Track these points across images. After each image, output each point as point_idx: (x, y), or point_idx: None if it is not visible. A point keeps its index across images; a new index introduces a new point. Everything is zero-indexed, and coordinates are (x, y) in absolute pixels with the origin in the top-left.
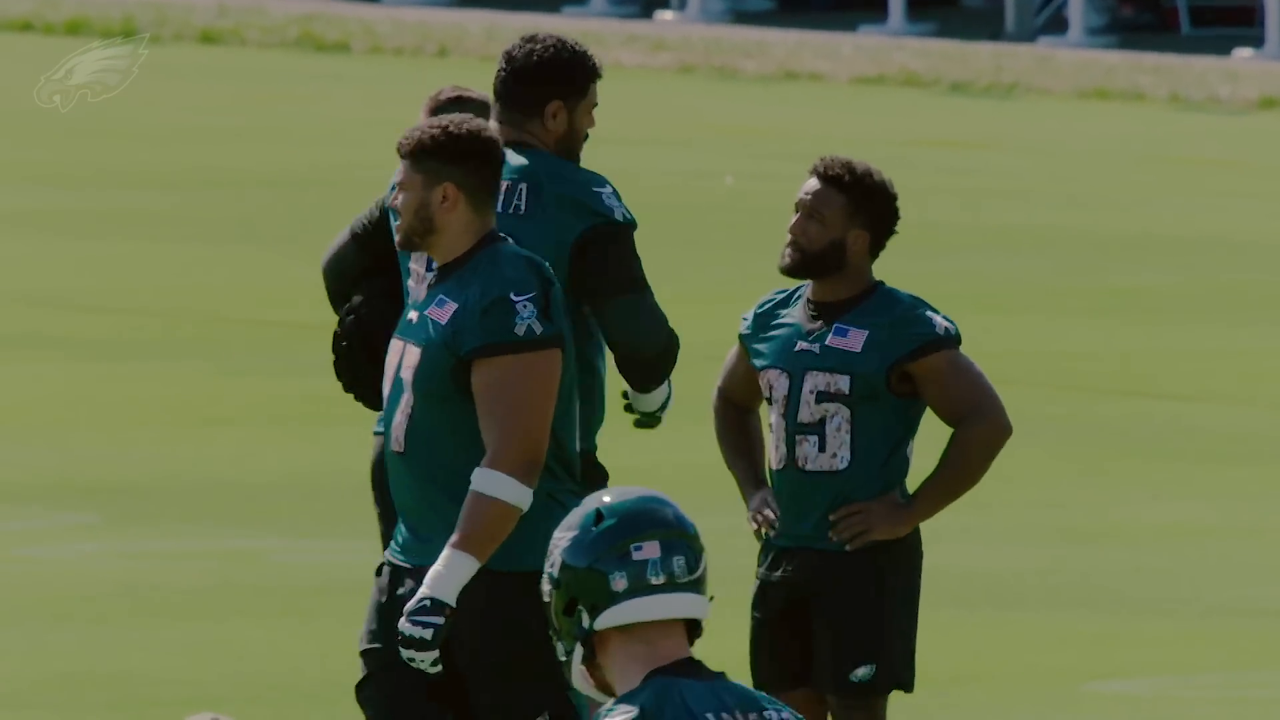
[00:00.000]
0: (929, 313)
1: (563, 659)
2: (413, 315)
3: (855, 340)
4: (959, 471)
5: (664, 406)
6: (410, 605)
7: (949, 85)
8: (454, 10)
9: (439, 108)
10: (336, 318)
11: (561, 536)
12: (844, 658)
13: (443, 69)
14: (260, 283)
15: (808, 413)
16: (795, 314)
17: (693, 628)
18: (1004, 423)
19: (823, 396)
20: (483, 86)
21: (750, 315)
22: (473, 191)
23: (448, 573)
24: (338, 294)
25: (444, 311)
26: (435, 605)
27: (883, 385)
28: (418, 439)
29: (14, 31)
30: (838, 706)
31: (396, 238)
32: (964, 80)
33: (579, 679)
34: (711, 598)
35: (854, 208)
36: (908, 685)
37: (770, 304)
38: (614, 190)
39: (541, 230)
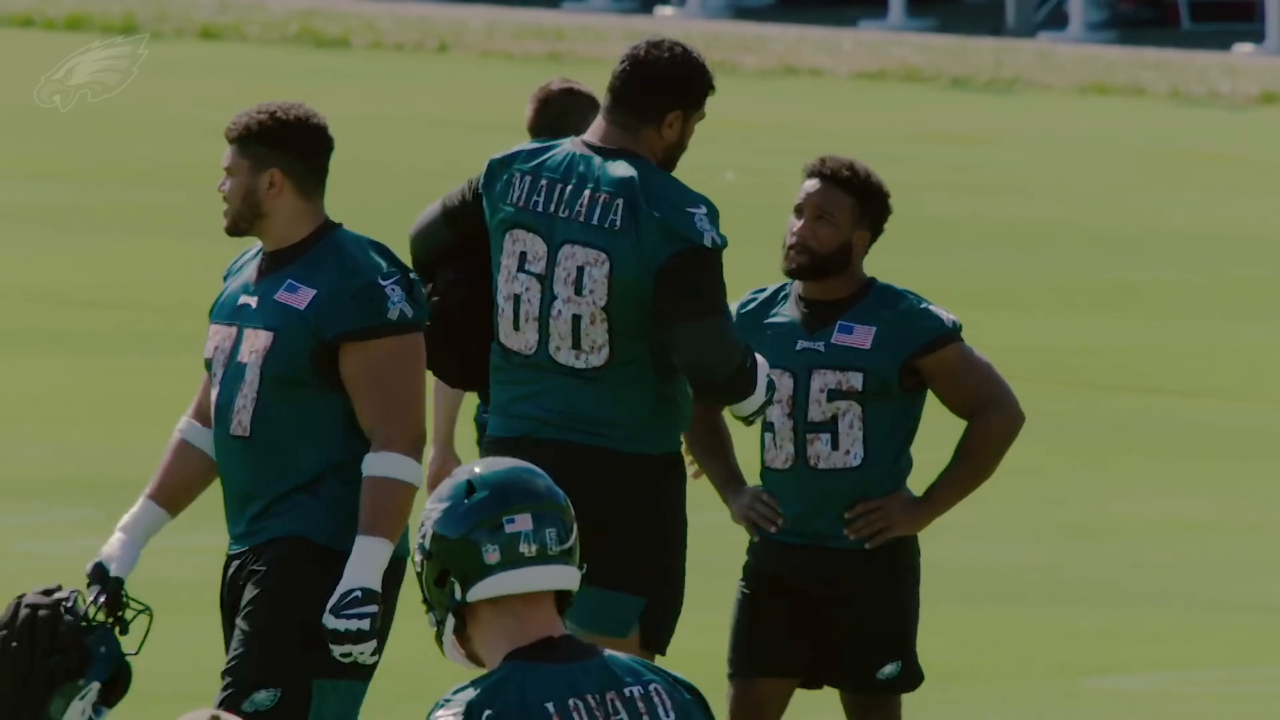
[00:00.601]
0: (931, 307)
1: (434, 629)
2: (249, 300)
3: (863, 337)
4: (978, 463)
5: (764, 406)
6: (334, 601)
7: (949, 80)
8: (455, 5)
9: (548, 99)
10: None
11: (433, 508)
12: (872, 656)
13: (443, 64)
14: None
15: (819, 411)
16: (787, 312)
17: (562, 598)
18: (1019, 411)
19: (834, 394)
20: (483, 82)
21: (735, 314)
22: (300, 178)
23: (367, 561)
24: (426, 265)
25: (299, 297)
26: (366, 595)
27: (895, 381)
28: (265, 424)
29: (15, 27)
30: (859, 704)
31: (224, 223)
32: (964, 75)
33: (450, 649)
34: (583, 568)
35: (861, 209)
36: (921, 679)
37: (754, 303)
38: (709, 211)
39: (631, 248)
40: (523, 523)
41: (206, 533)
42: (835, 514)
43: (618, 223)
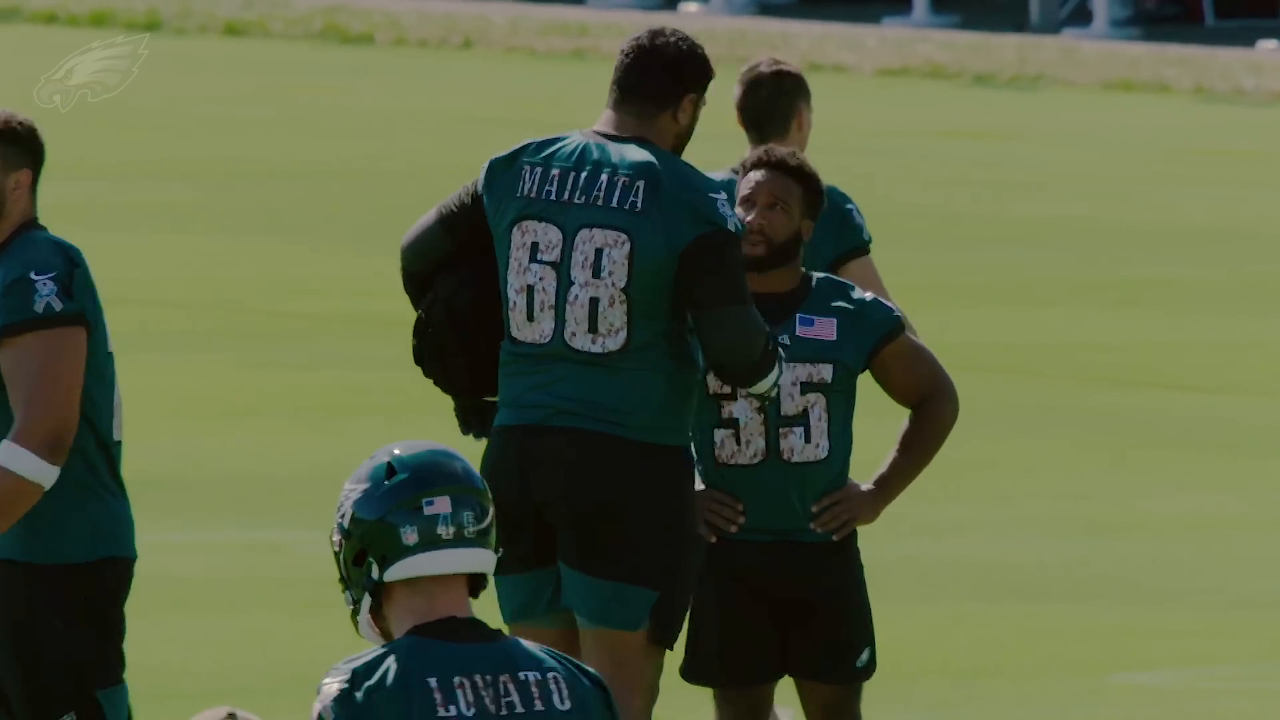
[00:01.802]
0: (876, 297)
1: (350, 607)
2: None
3: (826, 329)
4: (930, 451)
5: (771, 389)
6: None
7: (973, 77)
8: (479, 2)
9: (756, 80)
10: (393, 312)
11: (352, 488)
12: (848, 646)
13: (467, 61)
14: (284, 274)
15: (792, 405)
16: None
17: (476, 581)
18: (957, 400)
19: (806, 387)
20: (507, 79)
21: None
22: (34, 181)
23: None
24: (415, 276)
25: None
26: None
27: (860, 371)
28: None
29: (39, 23)
30: (833, 695)
31: None
32: (988, 72)
33: (365, 628)
34: (498, 550)
35: (807, 199)
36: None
37: None
38: (729, 197)
39: (654, 229)
40: (441, 505)
41: (227, 529)
42: (804, 508)
43: (639, 204)
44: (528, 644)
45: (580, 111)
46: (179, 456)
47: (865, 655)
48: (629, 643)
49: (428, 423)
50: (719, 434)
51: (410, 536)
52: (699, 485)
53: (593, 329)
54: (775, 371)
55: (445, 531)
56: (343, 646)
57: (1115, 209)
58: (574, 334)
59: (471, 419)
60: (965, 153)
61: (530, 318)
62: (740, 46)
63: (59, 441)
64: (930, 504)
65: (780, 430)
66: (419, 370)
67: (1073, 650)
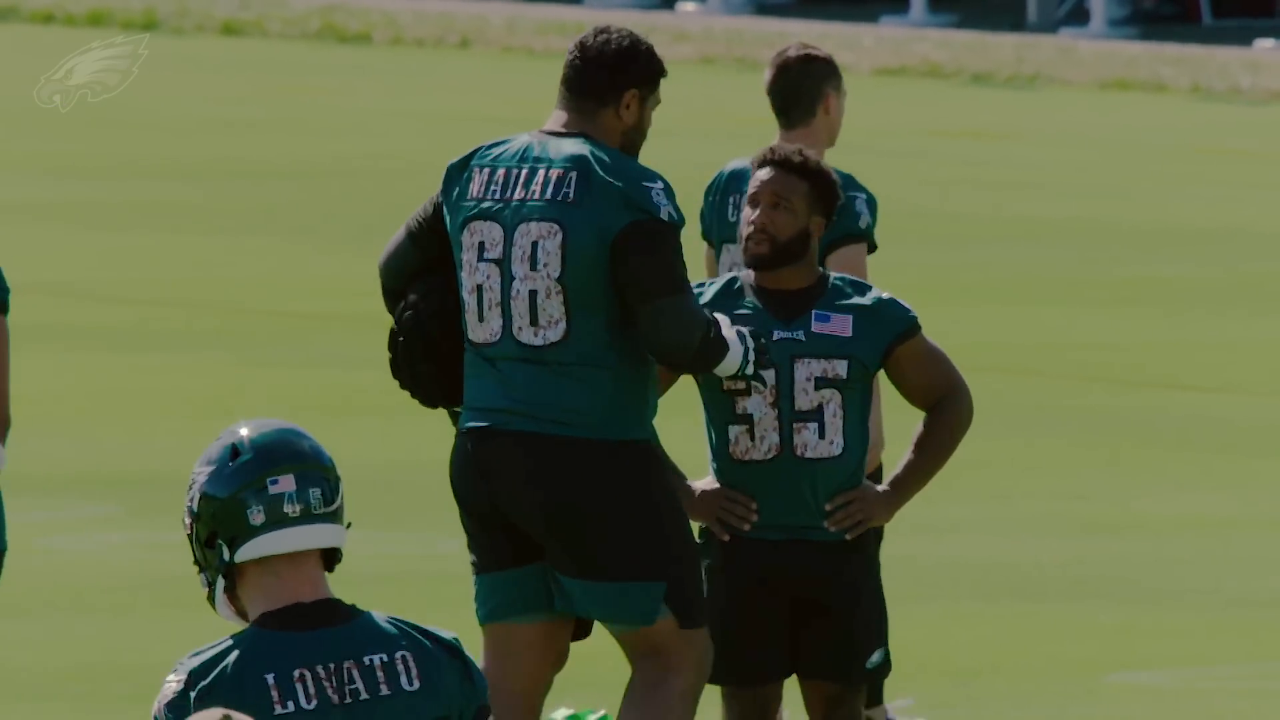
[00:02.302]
0: (892, 296)
1: (205, 590)
2: None
3: (842, 325)
4: (946, 453)
5: (741, 369)
6: None
7: (970, 76)
8: (476, 1)
9: (783, 65)
10: (389, 316)
11: (200, 470)
12: (863, 646)
13: (465, 60)
14: (282, 274)
15: (806, 400)
16: (751, 304)
17: (331, 556)
18: (972, 403)
19: (821, 383)
20: (504, 78)
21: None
22: None
23: None
24: (393, 292)
25: None
26: None
27: (876, 368)
28: None
29: (36, 23)
30: (841, 694)
31: None
32: (985, 71)
33: (222, 609)
34: (349, 525)
35: (815, 195)
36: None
37: (704, 297)
38: (666, 187)
39: (585, 219)
40: (286, 484)
41: None
42: (818, 505)
43: (570, 194)
44: (381, 621)
45: None
46: (177, 456)
47: (878, 656)
48: (652, 634)
49: (423, 424)
50: (733, 430)
51: (257, 516)
52: (712, 482)
53: (534, 321)
54: (735, 351)
55: (291, 509)
56: None
57: (1113, 208)
58: (520, 329)
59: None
60: (962, 152)
61: (481, 317)
62: (737, 46)
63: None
64: (928, 504)
65: (794, 426)
66: (390, 363)
67: (1070, 650)
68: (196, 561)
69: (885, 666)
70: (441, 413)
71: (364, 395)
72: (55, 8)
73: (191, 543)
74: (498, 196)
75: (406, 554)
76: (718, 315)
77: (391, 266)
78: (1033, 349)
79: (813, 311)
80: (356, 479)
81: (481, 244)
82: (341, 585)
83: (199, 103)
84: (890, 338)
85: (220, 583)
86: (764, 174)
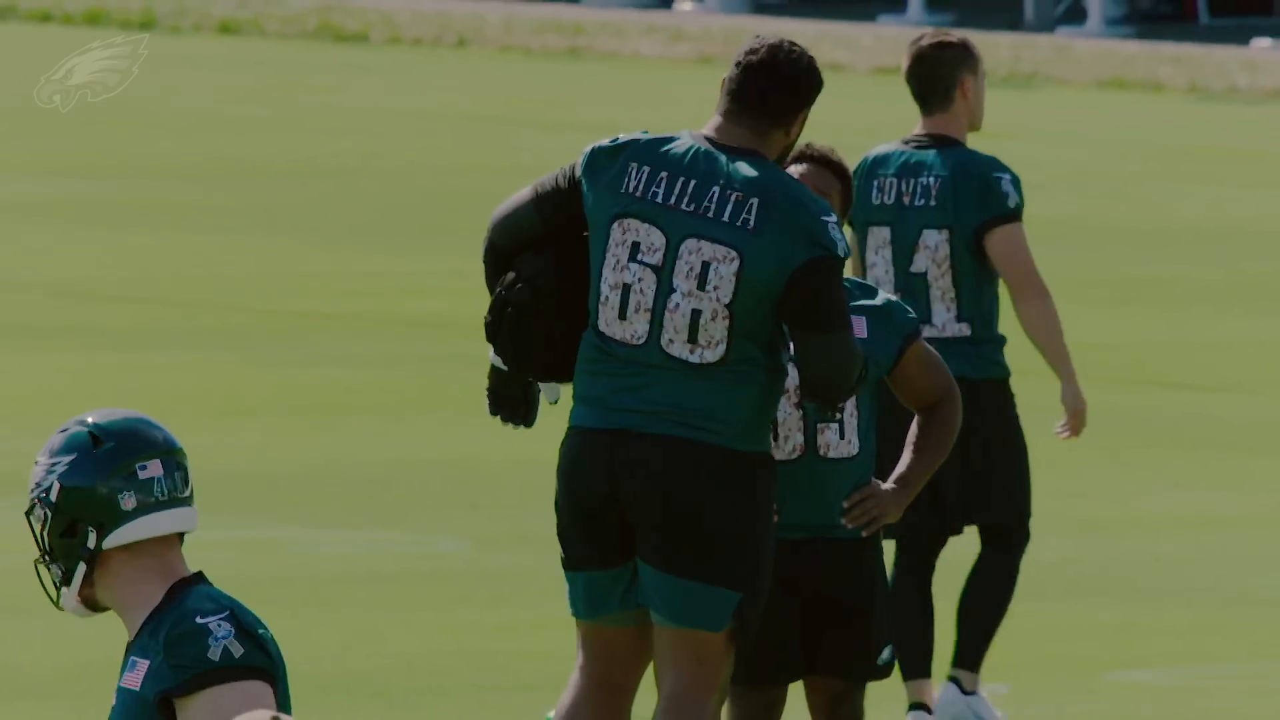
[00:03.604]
0: (897, 299)
1: (56, 582)
2: None
3: (858, 326)
4: (943, 450)
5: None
6: None
7: None
8: (473, 1)
9: (918, 55)
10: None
11: (56, 460)
12: (875, 643)
13: (462, 59)
14: (281, 273)
15: None
16: None
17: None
18: (962, 403)
19: None
20: (501, 77)
21: None
22: None
23: None
24: (501, 251)
25: None
26: None
27: (889, 369)
28: None
29: (34, 22)
30: (846, 691)
31: None
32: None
33: (70, 598)
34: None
35: (845, 195)
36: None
37: None
38: (838, 221)
39: (766, 249)
40: (154, 469)
41: (224, 528)
42: (837, 504)
43: (751, 221)
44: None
45: (576, 110)
46: None
47: (887, 653)
48: (711, 643)
49: (423, 422)
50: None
51: (129, 501)
52: None
53: (692, 339)
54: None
55: (160, 494)
56: (338, 645)
57: (1110, 207)
58: (671, 341)
59: (518, 406)
60: None
61: (623, 316)
62: (735, 45)
63: None
64: None
65: (818, 426)
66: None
67: (1068, 648)
68: (44, 555)
69: (893, 662)
70: (438, 411)
71: (362, 394)
72: (53, 7)
73: (40, 536)
74: (659, 200)
75: (405, 553)
76: None
77: (508, 225)
78: (1030, 348)
79: None
80: (355, 478)
81: (636, 244)
82: (339, 584)
83: (196, 102)
84: (901, 339)
85: (81, 570)
86: (801, 169)
